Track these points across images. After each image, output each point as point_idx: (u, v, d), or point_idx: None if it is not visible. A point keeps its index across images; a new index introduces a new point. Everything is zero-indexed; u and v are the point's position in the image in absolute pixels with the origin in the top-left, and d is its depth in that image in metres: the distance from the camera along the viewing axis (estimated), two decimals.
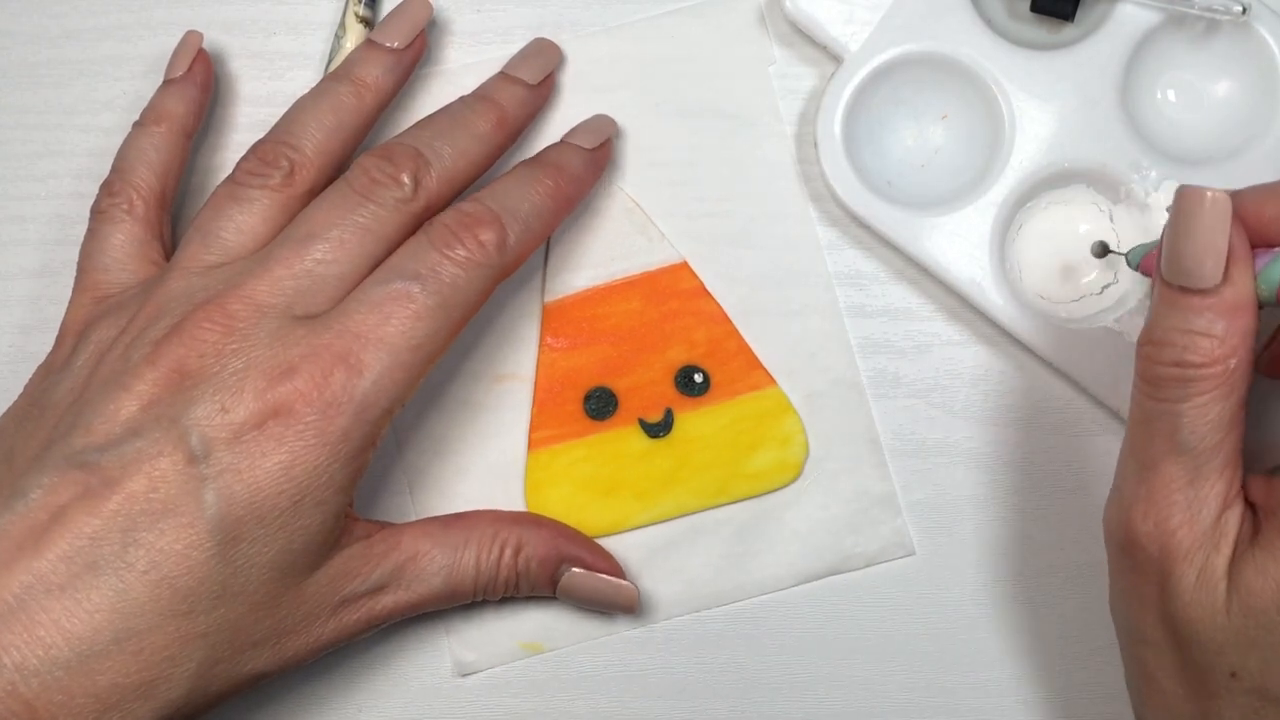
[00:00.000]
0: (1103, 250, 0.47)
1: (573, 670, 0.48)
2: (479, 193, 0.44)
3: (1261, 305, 0.38)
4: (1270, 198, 0.38)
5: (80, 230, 0.46)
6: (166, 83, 0.47)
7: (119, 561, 0.38)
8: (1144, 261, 0.43)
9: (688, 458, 0.48)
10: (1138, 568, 0.39)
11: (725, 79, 0.49)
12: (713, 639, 0.48)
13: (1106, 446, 0.49)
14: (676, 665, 0.48)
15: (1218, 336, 0.37)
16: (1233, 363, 0.37)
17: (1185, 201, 0.38)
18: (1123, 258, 0.46)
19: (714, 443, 0.48)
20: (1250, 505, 0.39)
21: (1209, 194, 0.37)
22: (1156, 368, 0.38)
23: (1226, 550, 0.38)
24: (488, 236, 0.42)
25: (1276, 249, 0.38)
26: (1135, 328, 0.46)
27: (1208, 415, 0.37)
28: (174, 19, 0.49)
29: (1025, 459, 0.48)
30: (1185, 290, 0.37)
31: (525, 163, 0.46)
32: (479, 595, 0.45)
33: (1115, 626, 0.42)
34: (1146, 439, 0.39)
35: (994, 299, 0.47)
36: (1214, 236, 0.37)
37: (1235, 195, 0.38)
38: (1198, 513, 0.38)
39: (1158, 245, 0.40)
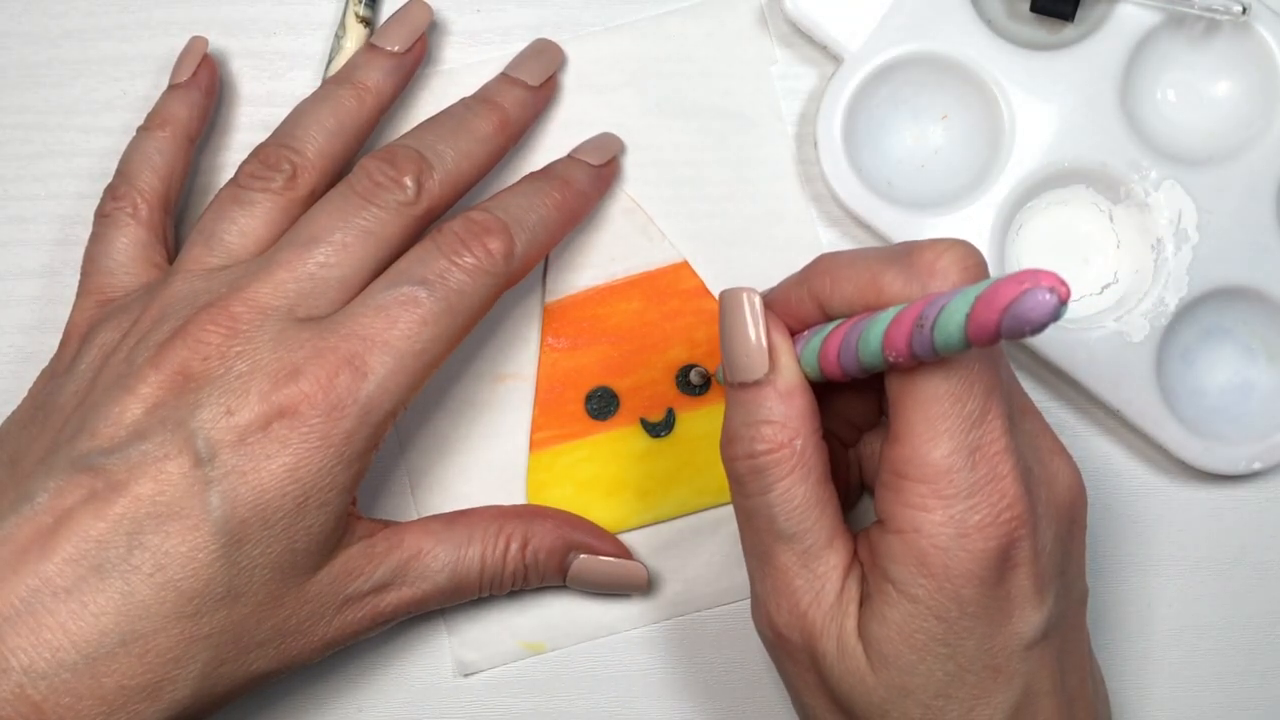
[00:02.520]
0: (702, 379, 0.48)
1: (573, 670, 0.48)
2: (487, 201, 0.44)
3: (814, 383, 0.39)
4: (794, 288, 0.40)
5: (81, 230, 0.46)
6: (171, 87, 0.47)
7: (125, 564, 0.38)
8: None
9: (689, 457, 0.48)
10: (791, 657, 0.40)
11: (726, 79, 0.49)
12: (713, 639, 0.48)
13: (1106, 447, 0.49)
14: (676, 665, 0.48)
15: (778, 421, 0.39)
16: (798, 443, 0.39)
17: (724, 304, 0.40)
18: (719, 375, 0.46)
19: (715, 442, 0.47)
20: (862, 565, 0.40)
21: (743, 294, 0.40)
22: (735, 465, 0.39)
23: (854, 614, 0.39)
24: (496, 245, 0.42)
25: (806, 332, 0.40)
26: (1135, 328, 0.46)
27: (794, 500, 0.39)
28: (174, 19, 0.49)
29: None
30: (744, 386, 0.39)
31: (533, 175, 0.46)
32: (485, 590, 0.45)
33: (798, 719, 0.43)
34: (754, 536, 0.40)
35: None
36: (754, 331, 0.39)
37: (767, 292, 0.41)
38: (821, 590, 0.39)
39: None
